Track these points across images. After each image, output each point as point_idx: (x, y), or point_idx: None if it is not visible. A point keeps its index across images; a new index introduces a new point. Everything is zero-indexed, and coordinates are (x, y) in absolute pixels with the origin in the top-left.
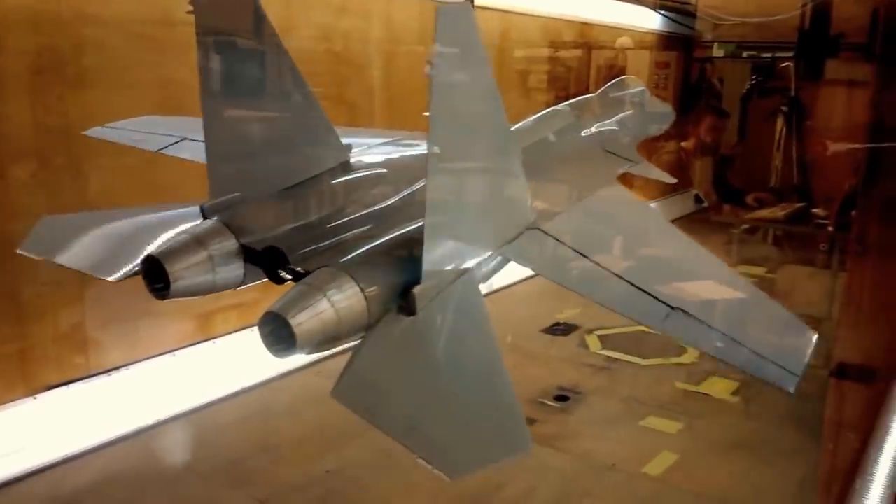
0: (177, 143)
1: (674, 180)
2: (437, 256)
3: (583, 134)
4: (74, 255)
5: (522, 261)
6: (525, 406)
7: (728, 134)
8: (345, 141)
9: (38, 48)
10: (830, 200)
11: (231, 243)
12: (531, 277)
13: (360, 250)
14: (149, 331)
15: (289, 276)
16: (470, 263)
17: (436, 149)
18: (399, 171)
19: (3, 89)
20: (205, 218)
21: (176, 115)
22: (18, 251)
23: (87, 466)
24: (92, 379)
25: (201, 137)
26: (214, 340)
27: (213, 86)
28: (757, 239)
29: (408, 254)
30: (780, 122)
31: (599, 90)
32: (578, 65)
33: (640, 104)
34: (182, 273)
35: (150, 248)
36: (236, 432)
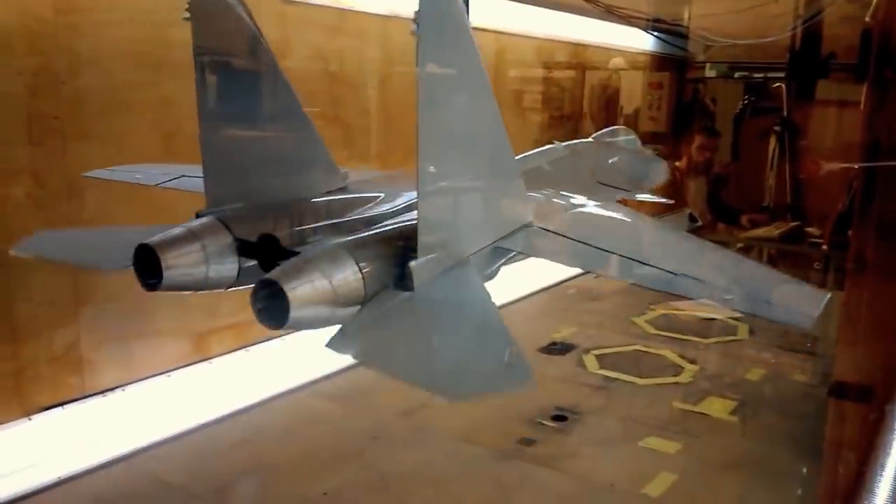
0: (175, 179)
1: (669, 201)
2: (433, 236)
3: (576, 168)
4: (66, 252)
5: (522, 249)
6: (523, 426)
7: (721, 153)
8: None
9: (35, 68)
10: (824, 219)
11: (226, 238)
12: (528, 296)
13: (359, 235)
14: (144, 351)
15: None
16: (466, 249)
17: (428, 130)
18: (395, 195)
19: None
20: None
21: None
22: (11, 252)
23: (82, 488)
24: (87, 400)
25: (197, 174)
26: (210, 361)
27: (210, 104)
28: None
29: (405, 242)
30: (772, 142)
31: (593, 135)
32: (572, 85)
33: (631, 150)
34: (175, 262)
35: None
36: (232, 453)
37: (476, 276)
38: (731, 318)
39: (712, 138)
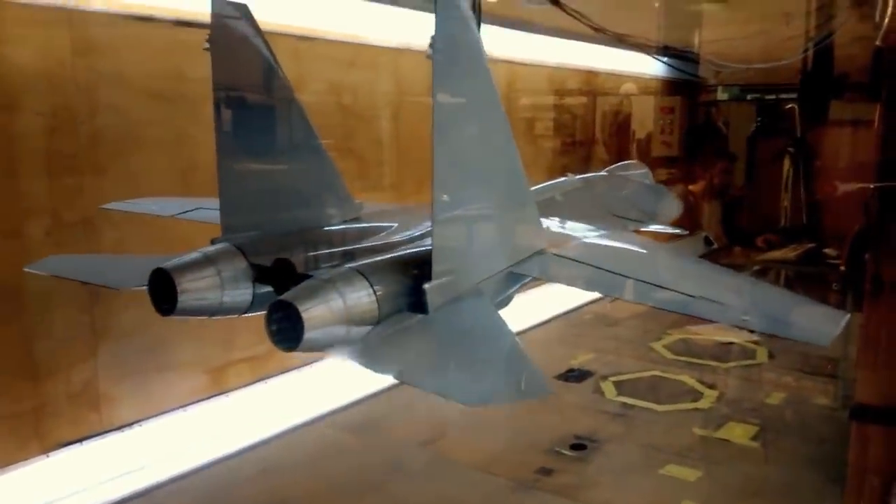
0: (192, 210)
1: (683, 231)
2: (447, 259)
3: (590, 199)
4: (80, 273)
5: (537, 275)
6: (541, 455)
7: (735, 176)
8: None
9: (53, 108)
10: (841, 240)
11: (241, 263)
12: (544, 323)
13: (373, 258)
14: (162, 386)
15: None
16: (479, 275)
17: (442, 147)
18: (409, 224)
19: (19, 148)
20: None
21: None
22: (25, 269)
23: None
24: (105, 435)
25: (214, 206)
26: (227, 394)
27: (227, 132)
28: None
29: (419, 267)
30: (786, 163)
31: (606, 168)
32: (584, 112)
33: (644, 184)
34: (190, 286)
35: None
36: (251, 487)
37: (488, 301)
38: (749, 341)
39: (730, 162)
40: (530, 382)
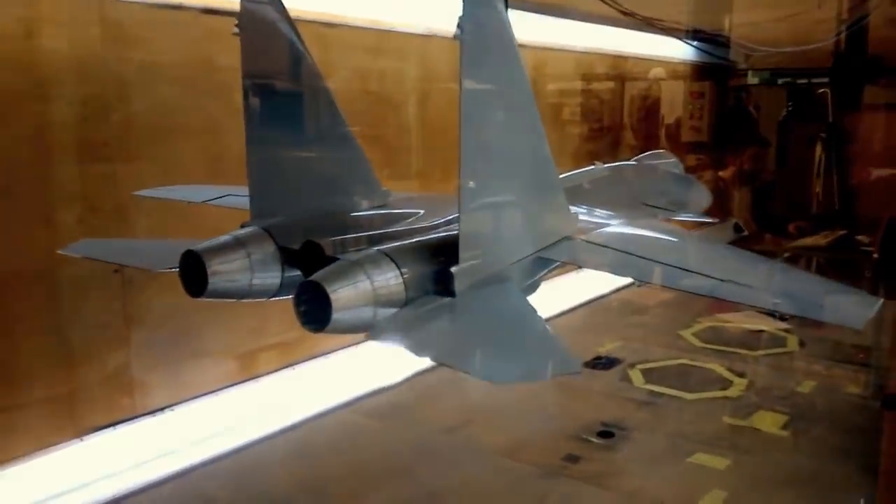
0: (222, 197)
1: (713, 220)
2: (475, 243)
3: (620, 187)
4: (113, 255)
5: (565, 259)
6: (568, 442)
7: (766, 162)
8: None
9: (84, 97)
10: (874, 227)
11: (270, 246)
12: (571, 311)
13: (401, 242)
14: (193, 371)
15: None
16: (507, 259)
17: (471, 133)
18: (434, 212)
19: (51, 137)
20: None
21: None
22: (59, 252)
23: None
24: (138, 420)
25: (244, 193)
26: (257, 380)
27: (256, 116)
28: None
29: (446, 251)
30: (818, 149)
31: (635, 157)
32: (612, 97)
33: (673, 174)
34: (220, 269)
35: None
36: (280, 472)
37: (513, 285)
38: (780, 329)
39: (763, 148)
40: (559, 360)
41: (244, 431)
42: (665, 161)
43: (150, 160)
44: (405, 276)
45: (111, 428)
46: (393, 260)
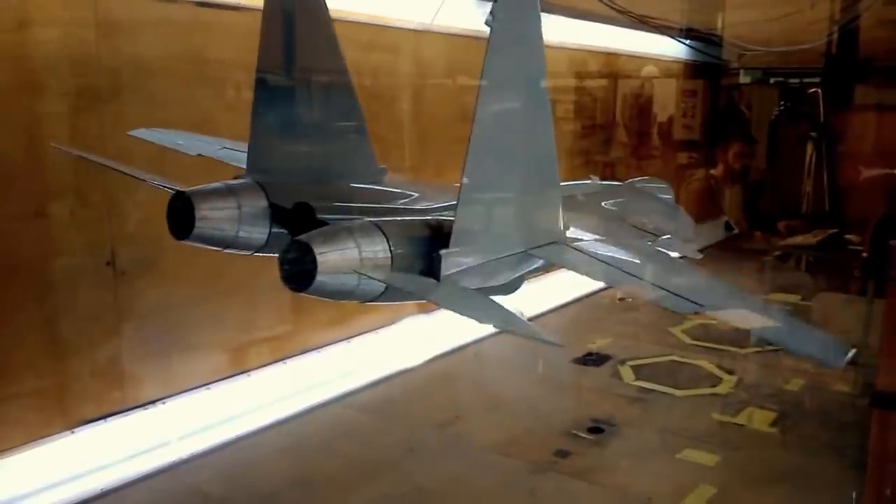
0: (219, 150)
1: (699, 255)
2: (468, 230)
3: (610, 204)
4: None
5: (550, 259)
6: (558, 438)
7: (757, 160)
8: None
9: (78, 89)
10: (864, 226)
11: (261, 201)
12: (562, 307)
13: (395, 217)
14: (184, 365)
15: None
16: (496, 252)
17: (480, 130)
18: (431, 195)
19: (44, 129)
20: None
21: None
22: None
23: (124, 500)
24: (129, 413)
25: (239, 148)
26: (248, 374)
27: (267, 65)
28: (789, 266)
29: (437, 233)
30: (809, 148)
31: (628, 181)
32: (605, 94)
33: (662, 200)
34: (208, 215)
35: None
36: (270, 466)
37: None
38: None
39: (749, 145)
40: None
41: (235, 425)
42: (657, 186)
43: (143, 153)
44: (393, 250)
45: (102, 420)
46: (383, 233)
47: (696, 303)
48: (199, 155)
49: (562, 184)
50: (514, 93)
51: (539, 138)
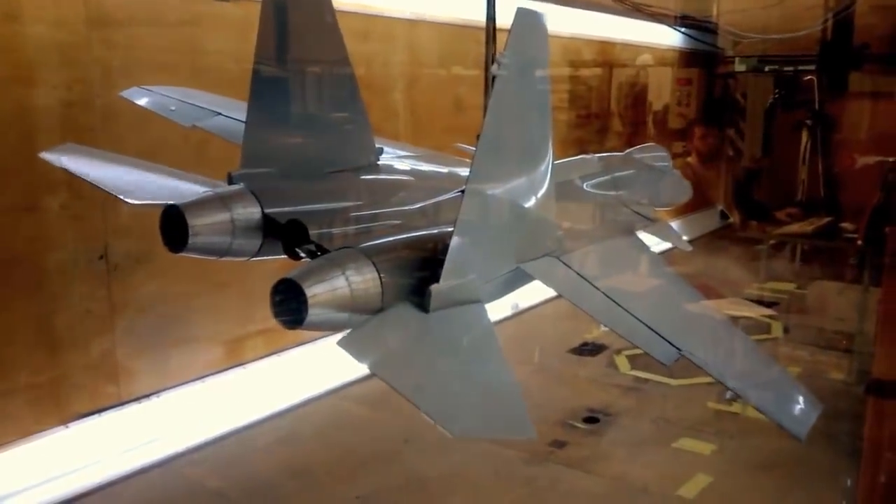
0: (210, 118)
1: (689, 247)
2: (459, 262)
3: (606, 185)
4: (96, 174)
5: (540, 278)
6: (554, 428)
7: (752, 148)
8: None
9: (69, 81)
10: (859, 214)
11: (254, 211)
12: (559, 296)
13: (384, 240)
14: (179, 358)
15: (304, 255)
16: (489, 275)
17: (479, 163)
18: (426, 181)
19: (36, 122)
20: (231, 185)
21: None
22: (40, 155)
23: (119, 494)
24: (123, 407)
25: (236, 116)
26: (244, 366)
27: (267, 49)
28: (784, 254)
29: (429, 255)
30: (804, 136)
31: (625, 151)
32: (599, 83)
33: (661, 168)
34: (202, 229)
35: (175, 195)
36: (267, 458)
37: (486, 313)
38: (764, 316)
39: (710, 127)
40: (518, 423)
41: (231, 418)
42: (654, 154)
43: (136, 145)
44: (384, 281)
45: (97, 415)
46: (373, 264)
47: (677, 347)
48: (194, 126)
49: (556, 162)
50: (521, 110)
51: (539, 147)
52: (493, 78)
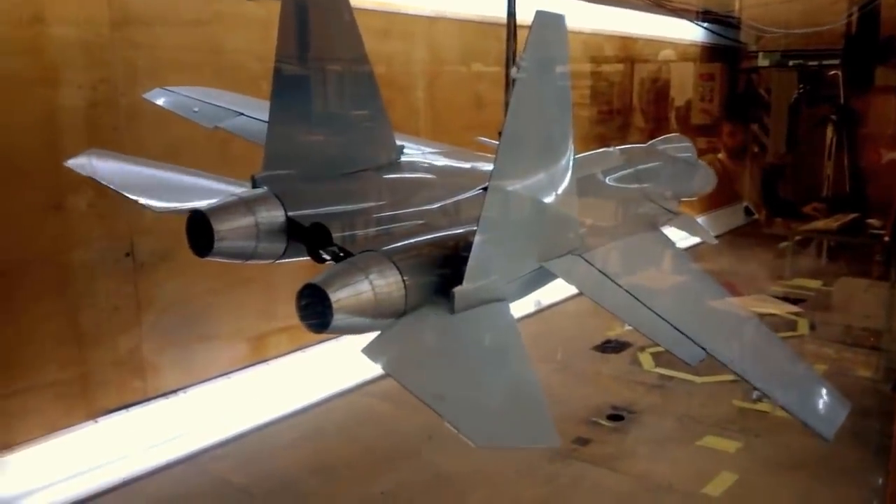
0: (233, 118)
1: (714, 240)
2: (483, 263)
3: (629, 179)
4: (122, 181)
5: (563, 276)
6: (578, 425)
7: (776, 144)
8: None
9: (94, 81)
10: (885, 210)
11: (278, 214)
12: (580, 294)
13: (406, 242)
14: (204, 354)
15: (328, 257)
16: (513, 275)
17: (501, 163)
18: (447, 178)
19: (61, 122)
20: (255, 187)
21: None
22: (65, 164)
23: (145, 489)
24: (150, 402)
25: (259, 116)
26: (268, 363)
27: (287, 60)
28: (810, 251)
29: (452, 255)
30: (829, 131)
31: (648, 142)
32: (621, 79)
33: (685, 159)
34: (227, 235)
35: (199, 198)
36: (291, 454)
37: (510, 314)
38: (790, 313)
39: (739, 124)
40: (543, 430)
41: (255, 414)
42: (678, 145)
43: (160, 144)
44: (407, 283)
45: (124, 410)
46: (397, 266)
47: (703, 348)
48: (216, 128)
49: (578, 156)
50: (542, 109)
51: (560, 146)
52: (513, 81)
